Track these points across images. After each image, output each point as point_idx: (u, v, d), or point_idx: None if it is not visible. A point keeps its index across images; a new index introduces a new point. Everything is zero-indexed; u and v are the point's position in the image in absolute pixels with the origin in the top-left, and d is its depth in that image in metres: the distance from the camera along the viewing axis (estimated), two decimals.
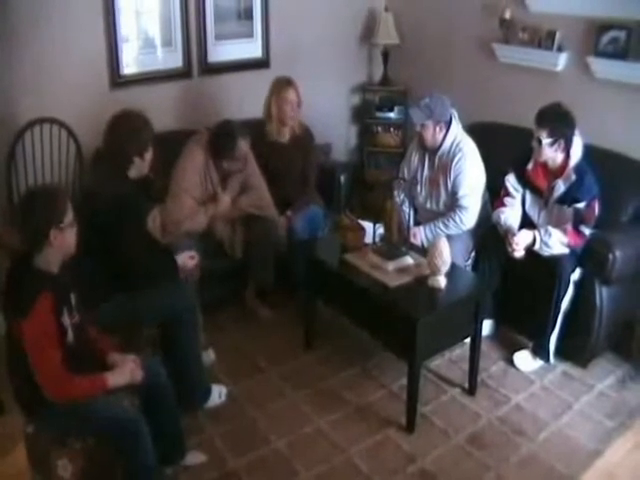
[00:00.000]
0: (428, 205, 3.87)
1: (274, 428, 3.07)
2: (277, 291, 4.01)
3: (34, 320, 2.23)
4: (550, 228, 3.35)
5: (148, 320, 3.02)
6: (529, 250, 3.38)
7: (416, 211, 3.90)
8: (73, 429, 2.42)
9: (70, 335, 2.38)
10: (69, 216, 2.36)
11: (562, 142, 3.33)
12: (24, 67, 3.65)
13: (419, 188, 3.88)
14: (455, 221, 3.70)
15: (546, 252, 3.35)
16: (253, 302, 3.99)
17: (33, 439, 2.45)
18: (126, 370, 2.49)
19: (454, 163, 3.69)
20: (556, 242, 3.32)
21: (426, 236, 3.72)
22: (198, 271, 3.22)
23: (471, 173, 3.70)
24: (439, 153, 3.75)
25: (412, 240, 3.63)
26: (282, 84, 4.03)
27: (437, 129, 3.69)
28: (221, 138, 3.63)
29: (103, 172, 3.06)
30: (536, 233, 3.37)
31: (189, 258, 3.17)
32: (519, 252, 3.38)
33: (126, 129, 2.95)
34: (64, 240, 2.34)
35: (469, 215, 3.71)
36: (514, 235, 3.40)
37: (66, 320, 2.37)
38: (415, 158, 3.91)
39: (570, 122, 3.34)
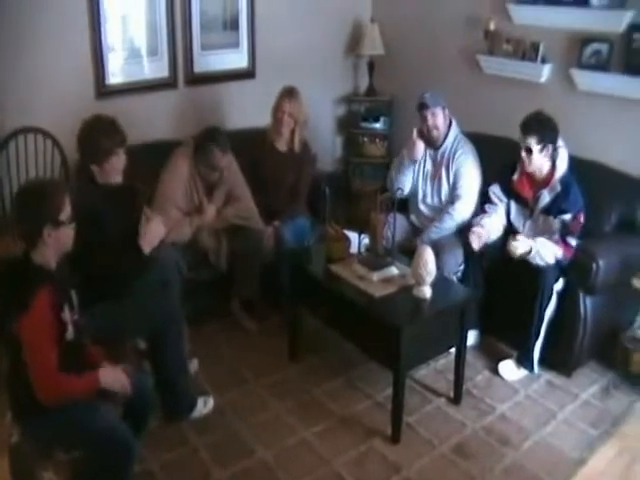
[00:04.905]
0: (429, 200, 3.97)
1: (259, 439, 3.06)
2: (263, 302, 3.99)
3: (34, 316, 2.18)
4: (545, 240, 3.35)
5: (133, 332, 3.00)
6: (511, 259, 3.36)
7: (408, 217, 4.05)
8: (63, 440, 2.37)
9: (70, 332, 2.33)
10: (66, 212, 2.30)
11: (550, 147, 3.38)
12: (8, 76, 3.63)
13: (420, 184, 3.98)
14: (450, 213, 3.80)
15: (539, 262, 3.34)
16: (238, 313, 3.97)
17: (17, 450, 2.41)
18: (118, 374, 2.43)
19: (456, 157, 3.86)
20: (550, 254, 3.33)
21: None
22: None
23: (471, 167, 3.86)
24: (442, 149, 3.89)
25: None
26: (282, 93, 4.08)
27: (445, 117, 3.87)
28: (200, 142, 3.64)
29: (78, 180, 3.02)
30: (532, 244, 3.34)
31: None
32: (476, 244, 3.46)
33: (85, 137, 2.91)
34: (59, 238, 2.30)
35: (464, 205, 3.81)
36: (516, 234, 3.41)
37: (66, 316, 2.32)
38: None
39: (554, 127, 3.41)
